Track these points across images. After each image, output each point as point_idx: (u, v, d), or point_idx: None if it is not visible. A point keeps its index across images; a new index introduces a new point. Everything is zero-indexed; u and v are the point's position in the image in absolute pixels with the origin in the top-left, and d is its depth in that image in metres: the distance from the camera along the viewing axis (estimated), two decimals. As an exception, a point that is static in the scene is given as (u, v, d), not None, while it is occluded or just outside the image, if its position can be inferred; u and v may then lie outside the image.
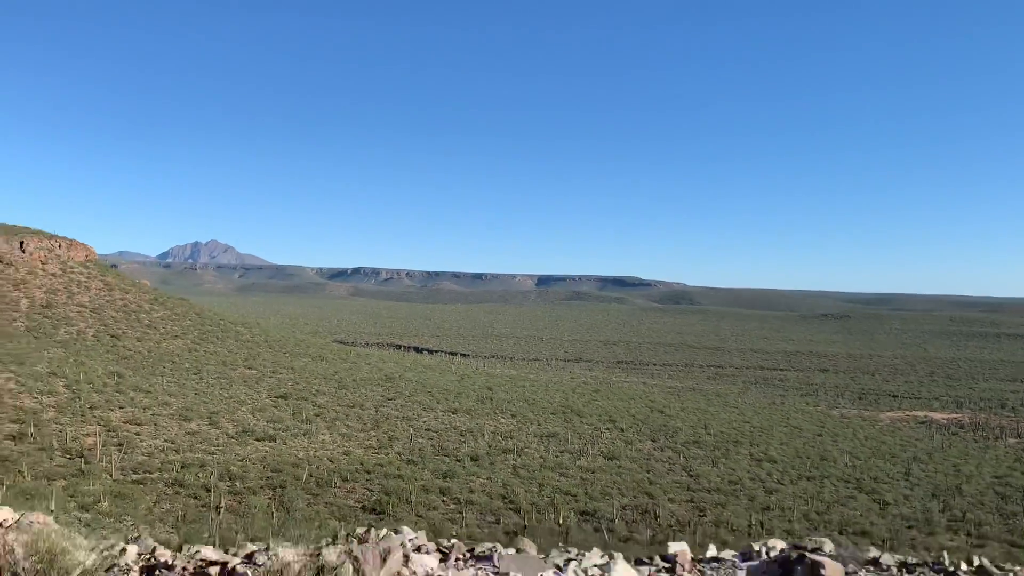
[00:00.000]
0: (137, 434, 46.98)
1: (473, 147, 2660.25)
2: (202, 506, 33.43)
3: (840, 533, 42.24)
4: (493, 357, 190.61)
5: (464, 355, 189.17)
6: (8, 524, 8.91)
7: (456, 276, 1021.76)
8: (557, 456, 55.66)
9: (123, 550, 9.69)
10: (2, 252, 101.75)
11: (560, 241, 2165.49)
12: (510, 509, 40.19)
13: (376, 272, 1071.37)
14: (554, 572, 10.99)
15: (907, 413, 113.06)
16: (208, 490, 36.13)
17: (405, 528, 12.67)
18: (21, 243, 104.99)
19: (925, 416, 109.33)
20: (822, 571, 9.82)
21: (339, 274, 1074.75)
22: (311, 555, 8.32)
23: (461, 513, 38.16)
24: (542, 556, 11.81)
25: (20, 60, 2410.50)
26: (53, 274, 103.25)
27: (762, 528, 40.69)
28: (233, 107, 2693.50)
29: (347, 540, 11.51)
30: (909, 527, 44.88)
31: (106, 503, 28.22)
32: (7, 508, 10.05)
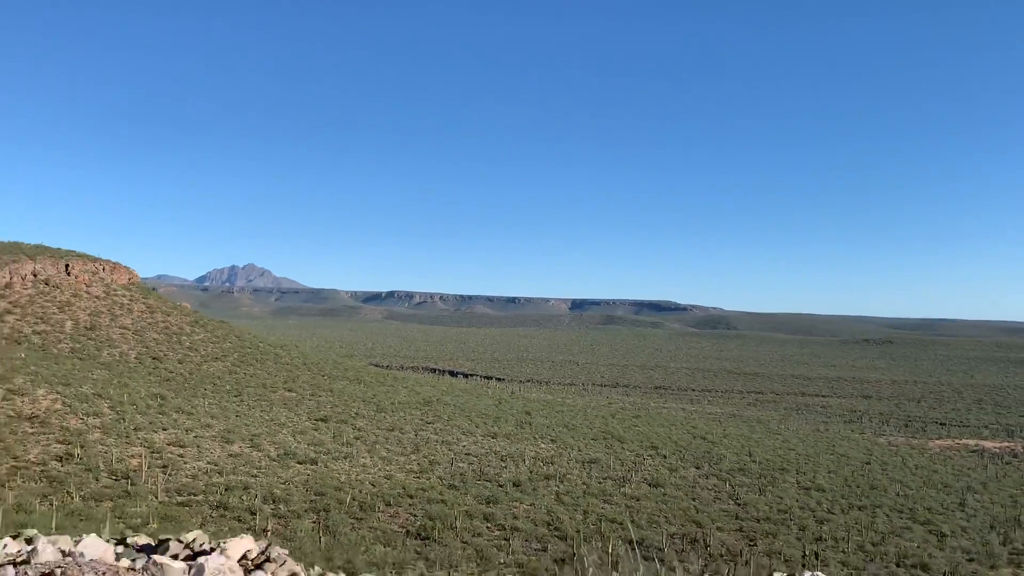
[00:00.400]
0: (181, 456, 47.04)
1: (506, 172, 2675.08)
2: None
3: (898, 566, 40.78)
4: (529, 381, 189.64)
5: (499, 379, 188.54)
6: (253, 556, 7.99)
7: (489, 300, 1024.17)
8: (600, 483, 54.67)
9: None
10: (49, 275, 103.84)
11: (594, 265, 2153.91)
12: (556, 536, 39.41)
13: (410, 296, 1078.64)
14: None
15: (956, 441, 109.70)
16: (253, 513, 35.90)
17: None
18: (67, 266, 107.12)
19: (976, 444, 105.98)
20: None
21: (373, 298, 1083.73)
22: None
23: (507, 540, 37.46)
24: None
25: (66, 92, 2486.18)
26: (97, 297, 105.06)
27: (816, 559, 39.39)
28: (267, 134, 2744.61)
29: None
30: (970, 560, 43.19)
31: (154, 525, 28.05)
32: (248, 537, 8.71)
